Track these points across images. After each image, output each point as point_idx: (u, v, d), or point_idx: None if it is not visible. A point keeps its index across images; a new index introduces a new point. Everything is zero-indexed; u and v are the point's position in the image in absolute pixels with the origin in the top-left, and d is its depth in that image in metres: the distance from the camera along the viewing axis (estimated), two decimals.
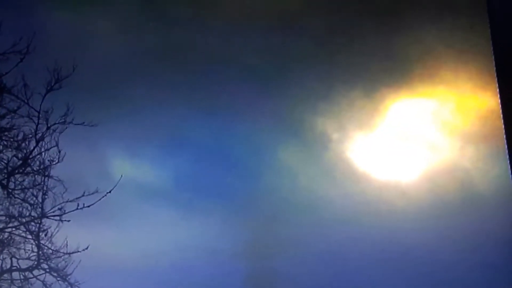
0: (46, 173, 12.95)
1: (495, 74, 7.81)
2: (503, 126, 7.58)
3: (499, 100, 7.45)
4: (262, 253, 12.18)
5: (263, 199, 12.36)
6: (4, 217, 12.86)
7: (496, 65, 7.74)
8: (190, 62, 12.75)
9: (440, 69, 12.40)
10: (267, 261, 12.17)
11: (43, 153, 12.98)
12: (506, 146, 7.46)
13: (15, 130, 12.87)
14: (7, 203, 12.91)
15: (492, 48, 7.68)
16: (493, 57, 7.61)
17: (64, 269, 12.91)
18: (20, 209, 12.89)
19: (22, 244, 12.92)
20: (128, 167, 13.07)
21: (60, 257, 12.90)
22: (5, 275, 12.87)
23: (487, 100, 11.96)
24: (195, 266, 11.99)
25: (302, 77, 12.52)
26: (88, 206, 12.98)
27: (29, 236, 12.94)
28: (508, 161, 7.45)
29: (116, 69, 12.76)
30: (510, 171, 7.51)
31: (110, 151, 13.19)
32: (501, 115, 7.52)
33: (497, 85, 7.75)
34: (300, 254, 11.89)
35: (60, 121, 13.06)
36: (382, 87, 12.46)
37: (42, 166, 12.92)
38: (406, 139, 12.70)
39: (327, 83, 12.48)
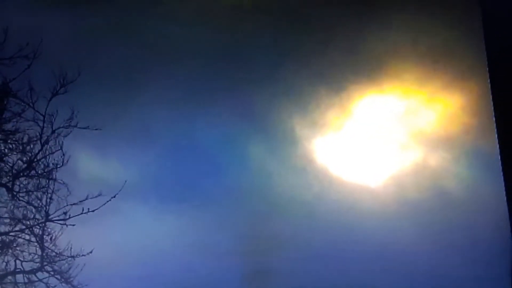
0: (51, 176, 13.15)
1: (488, 75, 7.78)
2: (494, 124, 7.58)
3: (491, 97, 7.45)
4: (236, 250, 12.22)
5: (235, 197, 12.42)
6: (8, 220, 13.06)
7: (489, 62, 7.72)
8: (162, 58, 12.86)
9: (410, 67, 12.43)
10: (251, 258, 12.20)
11: (48, 157, 13.19)
12: (497, 143, 7.46)
13: (20, 134, 13.04)
14: (12, 206, 13.10)
15: (484, 44, 7.70)
16: (485, 53, 7.61)
17: (67, 271, 13.05)
18: (25, 211, 13.05)
19: (26, 247, 13.07)
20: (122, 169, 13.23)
21: (64, 259, 13.07)
22: (9, 277, 12.97)
23: (457, 99, 11.96)
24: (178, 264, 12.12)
25: (271, 74, 12.61)
26: (93, 211, 13.13)
27: (33, 239, 13.08)
28: (500, 158, 7.44)
29: (119, 73, 12.94)
30: (501, 168, 7.50)
31: (111, 154, 13.34)
32: (493, 112, 7.51)
33: (488, 84, 7.74)
34: (273, 251, 11.95)
35: (65, 125, 13.35)
36: (349, 84, 12.54)
37: (46, 169, 13.08)
38: (375, 137, 12.76)
39: (295, 80, 12.56)
